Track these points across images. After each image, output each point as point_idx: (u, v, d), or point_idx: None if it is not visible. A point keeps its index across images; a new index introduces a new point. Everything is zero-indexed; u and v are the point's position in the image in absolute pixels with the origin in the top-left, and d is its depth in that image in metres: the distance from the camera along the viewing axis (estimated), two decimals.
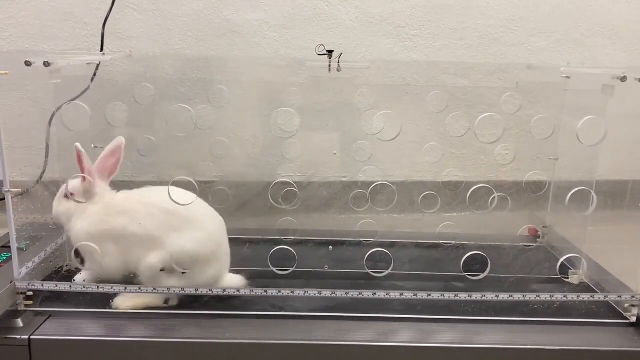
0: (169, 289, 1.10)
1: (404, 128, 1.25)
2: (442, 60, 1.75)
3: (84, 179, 1.12)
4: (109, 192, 1.16)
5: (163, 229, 1.09)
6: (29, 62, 1.00)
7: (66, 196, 1.14)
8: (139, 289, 1.10)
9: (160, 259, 1.09)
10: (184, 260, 1.09)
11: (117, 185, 1.45)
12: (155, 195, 1.12)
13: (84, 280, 1.16)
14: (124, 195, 1.16)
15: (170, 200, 1.07)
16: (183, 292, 1.11)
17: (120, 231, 1.10)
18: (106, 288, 1.11)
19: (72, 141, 1.27)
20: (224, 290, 1.12)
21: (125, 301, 1.11)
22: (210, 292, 1.11)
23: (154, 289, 1.10)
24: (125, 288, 1.11)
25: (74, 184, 1.14)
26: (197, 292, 1.11)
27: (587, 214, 1.12)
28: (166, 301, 1.12)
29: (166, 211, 1.10)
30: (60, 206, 1.15)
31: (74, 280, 1.17)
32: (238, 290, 1.13)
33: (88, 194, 1.13)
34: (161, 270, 1.10)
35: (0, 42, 1.70)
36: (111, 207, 1.13)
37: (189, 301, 1.13)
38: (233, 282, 1.18)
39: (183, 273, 1.10)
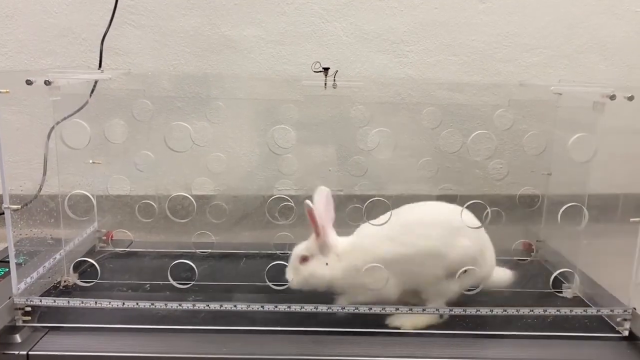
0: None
1: (399, 143, 1.26)
2: (437, 75, 1.77)
3: (317, 235, 1.13)
4: (338, 236, 1.17)
5: (441, 241, 1.12)
6: (30, 80, 1.02)
7: (305, 260, 1.14)
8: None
9: (442, 268, 1.12)
10: (466, 261, 1.12)
11: (114, 200, 1.47)
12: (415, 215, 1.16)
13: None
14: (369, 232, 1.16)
15: (436, 215, 1.14)
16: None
17: (393, 259, 1.11)
18: (104, 303, 1.12)
19: (71, 156, 1.28)
20: (221, 306, 1.12)
21: (406, 322, 1.13)
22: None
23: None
24: (123, 303, 1.12)
25: (302, 248, 1.15)
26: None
27: (579, 229, 1.13)
28: (441, 316, 1.15)
29: (440, 224, 1.13)
30: (301, 273, 1.14)
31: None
32: (235, 305, 1.13)
33: (325, 248, 1.14)
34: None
35: None
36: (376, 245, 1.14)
37: (187, 316, 1.14)
38: (504, 276, 1.21)
39: (465, 271, 1.12)
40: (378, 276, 1.10)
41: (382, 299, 1.13)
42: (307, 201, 1.10)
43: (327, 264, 1.13)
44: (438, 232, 1.12)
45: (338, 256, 1.14)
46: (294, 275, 1.14)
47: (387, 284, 1.11)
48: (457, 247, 1.12)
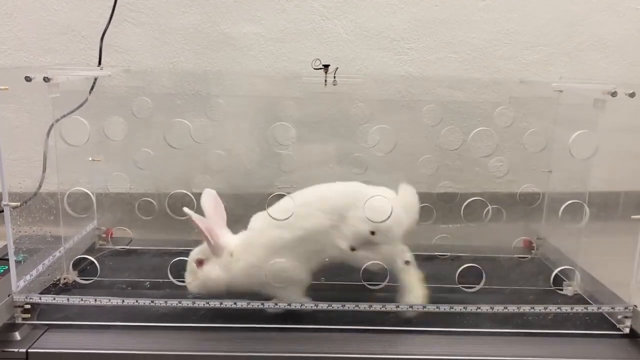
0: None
1: (399, 140, 1.26)
2: (437, 73, 1.77)
3: (207, 241, 1.11)
4: (231, 235, 1.16)
5: (328, 217, 1.11)
6: (29, 77, 1.01)
7: (200, 263, 1.13)
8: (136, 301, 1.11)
9: (344, 240, 1.11)
10: (364, 228, 1.11)
11: (116, 198, 1.47)
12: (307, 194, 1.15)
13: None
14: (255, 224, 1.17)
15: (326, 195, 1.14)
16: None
17: (292, 241, 1.11)
18: (104, 301, 1.12)
19: (70, 154, 1.28)
20: (219, 302, 1.12)
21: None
22: (208, 305, 1.12)
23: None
24: (123, 301, 1.12)
25: (198, 251, 1.14)
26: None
27: (580, 227, 1.13)
28: None
29: (323, 201, 1.13)
30: (196, 279, 1.13)
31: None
32: (235, 303, 1.13)
33: (218, 250, 1.12)
34: (353, 249, 1.12)
35: None
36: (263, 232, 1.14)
37: (187, 314, 1.14)
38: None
39: (372, 234, 1.12)
40: (280, 267, 1.10)
41: (295, 283, 1.13)
42: (185, 208, 1.09)
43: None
44: (324, 209, 1.11)
45: (233, 256, 1.12)
46: (192, 279, 1.13)
47: (293, 270, 1.11)
48: (348, 219, 1.11)
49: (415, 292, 1.14)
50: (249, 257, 1.12)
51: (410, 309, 1.13)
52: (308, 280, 1.15)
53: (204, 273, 1.12)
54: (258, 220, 1.16)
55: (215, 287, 1.12)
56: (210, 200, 1.16)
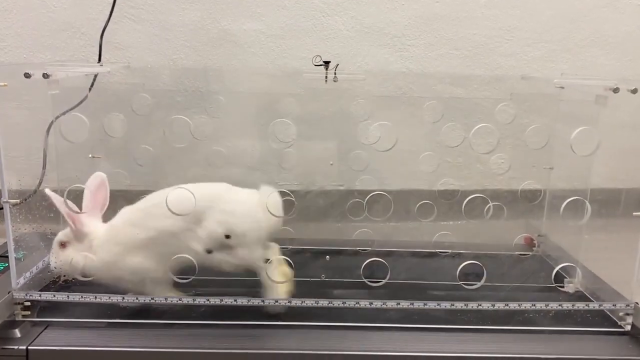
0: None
1: (400, 137, 1.26)
2: (438, 70, 1.77)
3: (70, 224, 1.11)
4: (100, 224, 1.16)
5: (182, 218, 1.09)
6: (28, 74, 1.01)
7: (63, 245, 1.13)
8: (136, 299, 1.11)
9: (198, 243, 1.10)
10: (218, 230, 1.10)
11: (115, 195, 1.46)
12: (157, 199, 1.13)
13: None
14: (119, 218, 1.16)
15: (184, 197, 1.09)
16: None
17: (145, 240, 1.10)
18: (104, 298, 1.11)
19: (70, 151, 1.28)
20: (217, 300, 1.12)
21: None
22: (207, 302, 1.12)
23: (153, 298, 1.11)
24: (123, 298, 1.11)
25: (62, 233, 1.14)
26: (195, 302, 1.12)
27: (581, 223, 1.13)
28: None
29: (180, 202, 1.09)
30: (60, 259, 1.13)
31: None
32: (235, 300, 1.13)
33: (80, 236, 1.13)
34: (209, 252, 1.11)
35: None
36: (121, 228, 1.13)
37: (186, 311, 1.14)
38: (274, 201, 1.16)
39: (227, 237, 1.11)
40: (134, 266, 1.10)
41: (153, 281, 1.12)
42: (46, 189, 1.10)
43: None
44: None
45: (92, 247, 1.12)
46: (56, 260, 1.13)
47: (147, 271, 1.10)
48: (203, 221, 1.10)
49: (274, 291, 1.13)
50: (104, 254, 1.11)
51: (411, 305, 1.12)
52: (166, 278, 1.12)
53: (65, 257, 1.12)
54: (124, 214, 1.15)
55: (74, 272, 1.12)
56: (94, 184, 1.16)
